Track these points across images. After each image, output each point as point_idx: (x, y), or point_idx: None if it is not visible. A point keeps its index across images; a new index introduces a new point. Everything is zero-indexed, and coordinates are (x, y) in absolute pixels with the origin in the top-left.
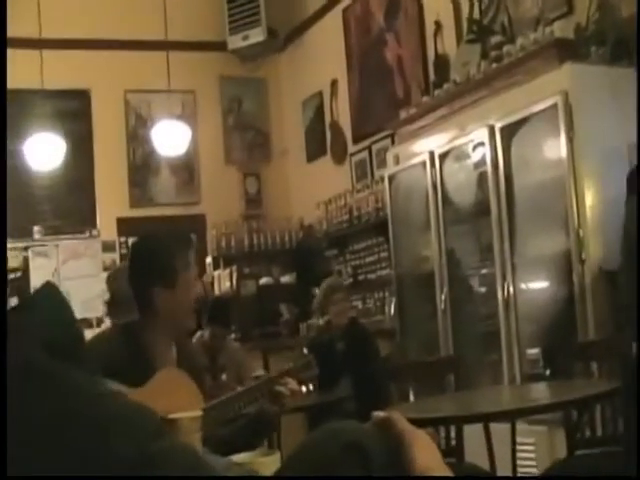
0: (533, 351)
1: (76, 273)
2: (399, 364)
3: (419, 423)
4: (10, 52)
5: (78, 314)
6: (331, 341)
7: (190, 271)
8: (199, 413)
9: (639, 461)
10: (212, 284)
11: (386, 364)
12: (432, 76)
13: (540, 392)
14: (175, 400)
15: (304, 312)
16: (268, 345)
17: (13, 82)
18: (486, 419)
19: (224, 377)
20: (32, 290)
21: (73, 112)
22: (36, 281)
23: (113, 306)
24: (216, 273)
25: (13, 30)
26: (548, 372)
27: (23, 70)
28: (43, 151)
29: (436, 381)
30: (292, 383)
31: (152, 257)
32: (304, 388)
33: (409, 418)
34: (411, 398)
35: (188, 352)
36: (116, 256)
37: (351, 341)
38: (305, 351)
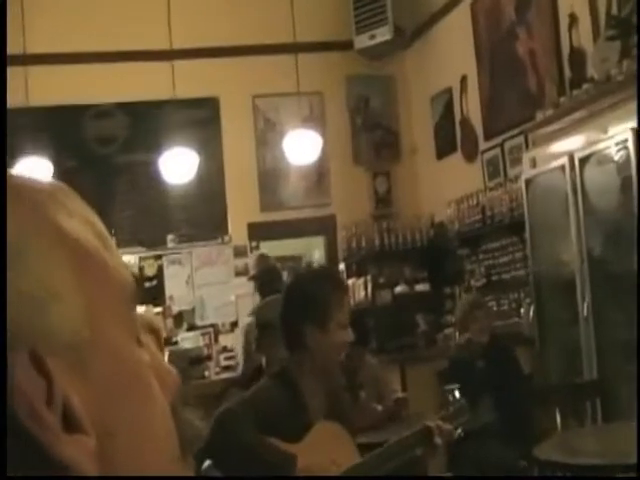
0: None
1: (209, 279)
2: (543, 387)
3: (564, 468)
4: (142, 65)
5: (211, 320)
6: (471, 360)
7: (342, 313)
8: None
9: (639, 460)
10: None
11: (529, 385)
12: (567, 71)
13: None
14: (331, 454)
15: (440, 321)
16: (405, 357)
17: (145, 93)
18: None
19: (363, 394)
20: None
21: (203, 120)
22: (171, 289)
23: (262, 339)
24: (350, 282)
25: (144, 43)
26: None
27: (155, 81)
28: (178, 166)
29: (581, 405)
30: (448, 430)
31: (306, 295)
32: (457, 433)
33: (553, 462)
34: (558, 422)
35: (340, 397)
36: (248, 261)
37: (493, 360)
38: (457, 395)
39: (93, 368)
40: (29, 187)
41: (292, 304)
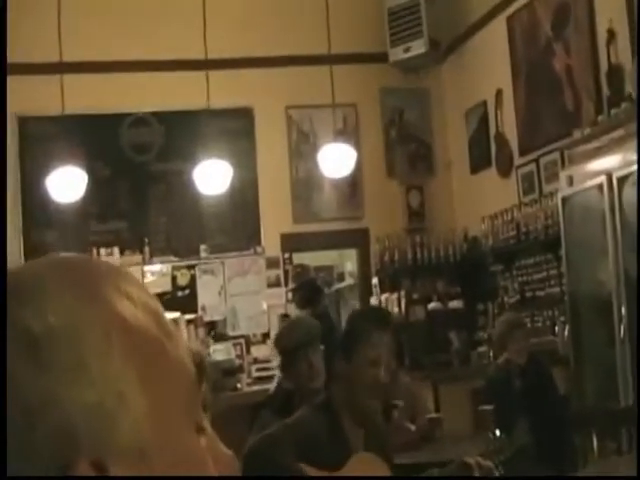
0: None
1: (242, 290)
2: (579, 410)
3: None
4: (177, 74)
5: (243, 330)
6: (508, 380)
7: (373, 350)
8: None
9: (639, 461)
10: None
11: (566, 407)
12: (605, 88)
13: None
14: None
15: (473, 339)
16: (439, 376)
17: (180, 103)
18: None
19: (396, 414)
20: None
21: (237, 130)
22: (203, 298)
23: (286, 365)
24: (383, 297)
25: (180, 53)
26: None
27: (190, 91)
28: (212, 176)
29: (618, 431)
30: (487, 467)
31: (345, 331)
32: (497, 471)
33: None
34: (595, 446)
35: (376, 430)
36: (280, 272)
37: (530, 381)
38: (497, 433)
39: (155, 467)
40: (87, 274)
41: (343, 336)
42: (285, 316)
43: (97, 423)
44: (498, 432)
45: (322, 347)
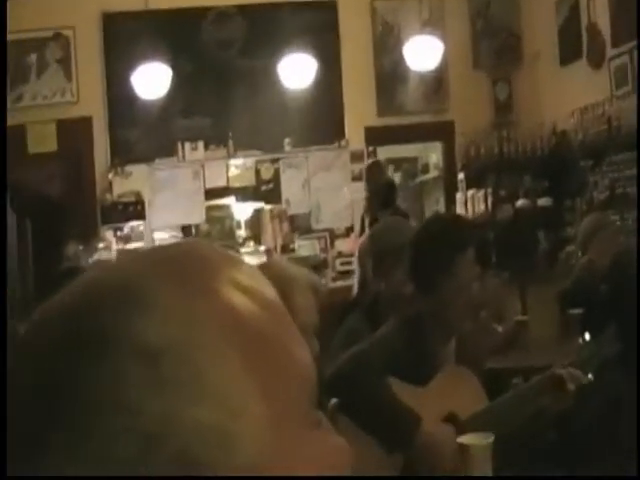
0: None
1: (325, 184)
2: None
3: None
4: None
5: (327, 224)
6: (594, 283)
7: (459, 279)
8: (490, 440)
9: (639, 461)
10: (465, 204)
11: None
12: None
13: None
14: (458, 400)
15: (562, 239)
16: (525, 277)
17: None
18: None
19: (483, 314)
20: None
21: (321, 24)
22: (287, 192)
23: (381, 266)
24: (469, 193)
25: None
26: None
27: None
28: (296, 71)
29: None
30: (578, 376)
31: (441, 241)
32: (590, 377)
33: None
34: None
35: (470, 344)
36: (364, 166)
37: (616, 285)
38: (587, 337)
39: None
40: (198, 269)
41: (425, 249)
42: (375, 220)
43: (218, 445)
44: (587, 336)
45: None
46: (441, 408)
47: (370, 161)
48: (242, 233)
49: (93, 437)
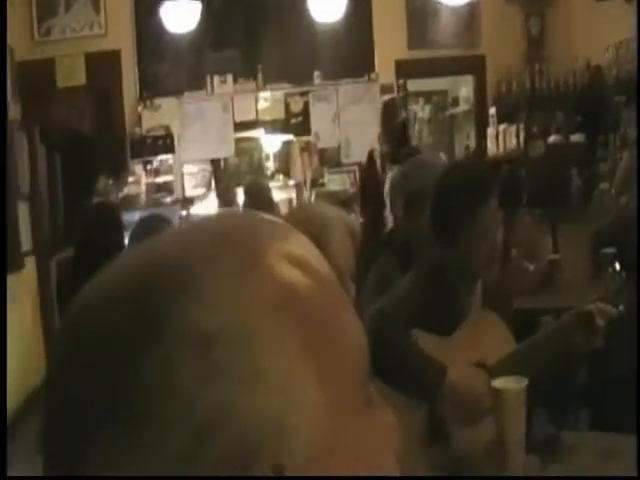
0: None
1: (355, 117)
2: None
3: None
4: None
5: (357, 158)
6: (629, 226)
7: (484, 227)
8: (524, 384)
9: (639, 461)
10: (497, 139)
11: None
12: None
13: None
14: (485, 347)
15: (595, 176)
16: (557, 215)
17: None
18: None
19: (514, 252)
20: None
21: None
22: (316, 126)
23: (411, 207)
24: (501, 128)
25: None
26: None
27: None
28: (326, 4)
29: None
30: (609, 312)
31: (463, 188)
32: (621, 308)
33: None
34: None
35: (496, 287)
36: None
37: None
38: (617, 267)
39: (329, 466)
40: (250, 245)
41: (446, 199)
42: (409, 155)
43: (274, 434)
44: (618, 266)
45: None
46: (468, 357)
47: (386, 98)
48: (270, 165)
49: (147, 425)
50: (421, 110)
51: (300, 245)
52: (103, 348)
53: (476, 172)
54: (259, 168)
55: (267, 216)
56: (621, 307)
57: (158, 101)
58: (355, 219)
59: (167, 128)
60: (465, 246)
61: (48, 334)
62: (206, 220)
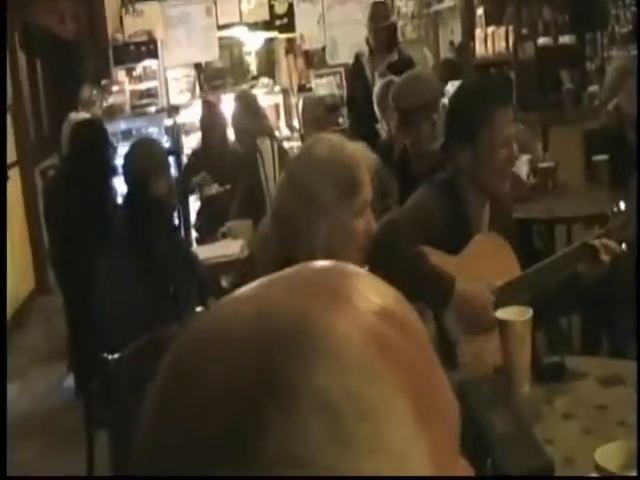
0: None
1: (341, 18)
2: None
3: None
4: None
5: (343, 59)
6: (621, 130)
7: (501, 132)
8: (529, 315)
9: (639, 461)
10: (485, 41)
11: None
12: None
13: None
14: (492, 266)
15: (584, 77)
16: (549, 117)
17: None
18: None
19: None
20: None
21: None
22: (301, 27)
23: (405, 123)
24: (489, 30)
25: None
26: None
27: None
28: None
29: None
30: (612, 247)
31: (479, 93)
32: (624, 247)
33: None
34: None
35: (502, 212)
36: None
37: None
38: (622, 206)
39: None
40: (346, 290)
41: (466, 103)
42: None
43: None
44: (622, 205)
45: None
46: (474, 274)
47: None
48: (252, 62)
49: None
50: (404, 6)
51: (397, 302)
52: (232, 406)
53: (493, 81)
54: (241, 67)
55: (355, 268)
56: (624, 246)
57: (140, 5)
58: (342, 121)
59: (150, 33)
60: (482, 152)
61: (35, 243)
62: (307, 273)
